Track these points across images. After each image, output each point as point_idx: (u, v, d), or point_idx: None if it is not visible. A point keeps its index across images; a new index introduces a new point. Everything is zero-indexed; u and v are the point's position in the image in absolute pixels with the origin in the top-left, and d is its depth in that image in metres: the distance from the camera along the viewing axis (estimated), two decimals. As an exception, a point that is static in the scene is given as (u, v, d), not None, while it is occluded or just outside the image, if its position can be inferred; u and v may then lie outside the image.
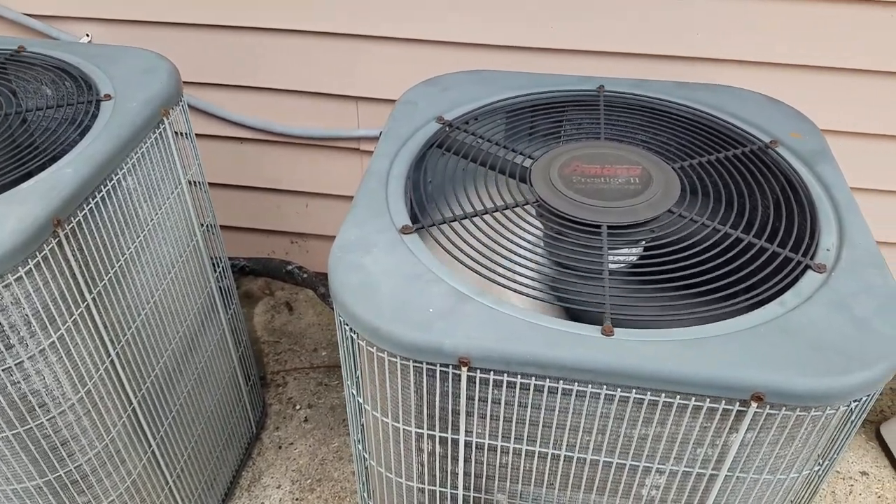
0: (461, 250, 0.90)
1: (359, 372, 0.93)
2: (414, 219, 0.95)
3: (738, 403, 0.77)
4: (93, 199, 1.02)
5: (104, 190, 1.04)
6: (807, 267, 0.88)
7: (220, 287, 1.46)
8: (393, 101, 1.21)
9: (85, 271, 1.02)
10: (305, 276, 2.05)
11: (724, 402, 0.78)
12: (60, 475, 1.10)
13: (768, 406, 0.77)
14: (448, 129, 1.12)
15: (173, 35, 1.66)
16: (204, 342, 1.41)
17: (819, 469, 0.91)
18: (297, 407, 1.85)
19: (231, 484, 1.64)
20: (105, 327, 1.09)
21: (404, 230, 0.92)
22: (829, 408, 0.78)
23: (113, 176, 1.06)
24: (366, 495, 1.12)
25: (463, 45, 1.54)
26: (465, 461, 0.94)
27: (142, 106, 1.14)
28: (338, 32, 1.58)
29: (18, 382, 0.99)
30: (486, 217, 0.96)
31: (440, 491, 0.99)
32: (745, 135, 1.10)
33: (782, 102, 1.18)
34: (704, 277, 0.86)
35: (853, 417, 0.83)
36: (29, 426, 1.03)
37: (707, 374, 0.76)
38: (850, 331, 0.80)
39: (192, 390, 1.37)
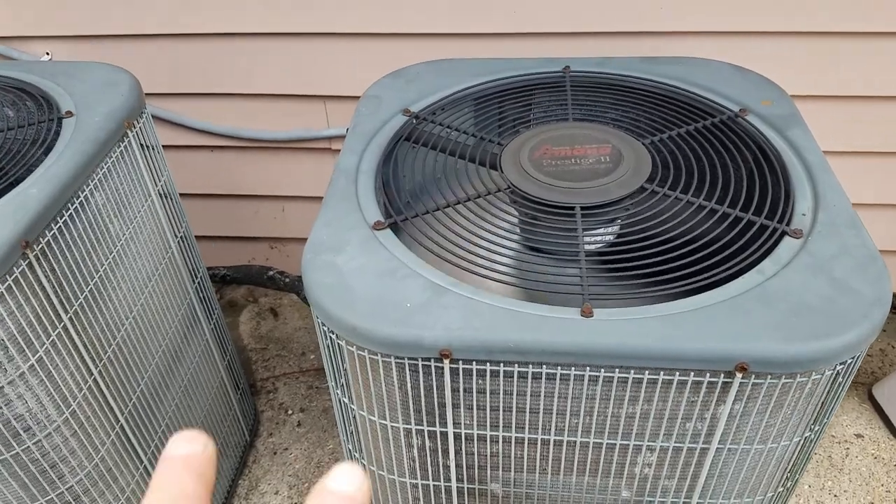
0: (435, 242, 0.89)
1: (343, 372, 0.92)
2: (386, 214, 0.94)
3: (722, 375, 0.77)
4: (60, 218, 1.00)
5: (72, 208, 1.02)
6: (783, 233, 0.87)
7: (200, 297, 1.45)
8: (360, 97, 1.20)
9: (59, 291, 1.01)
10: (287, 280, 2.04)
11: (708, 374, 0.77)
12: (52, 498, 1.09)
13: (753, 376, 0.77)
14: (415, 121, 1.11)
15: (134, 47, 1.64)
16: (188, 354, 1.40)
17: (811, 434, 0.91)
18: (290, 412, 1.84)
19: (228, 493, 1.63)
20: (85, 346, 1.07)
21: (376, 226, 0.91)
22: (814, 373, 0.78)
23: (80, 193, 1.04)
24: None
25: (425, 36, 1.53)
26: (455, 453, 0.93)
27: (104, 120, 1.12)
28: (296, 32, 1.57)
29: (0, 408, 0.97)
30: (459, 207, 0.95)
31: (434, 485, 0.98)
32: (715, 105, 1.10)
33: (750, 71, 1.18)
34: (682, 251, 0.85)
35: (840, 381, 0.83)
36: (15, 451, 1.01)
37: (689, 347, 0.75)
38: (831, 293, 0.79)
39: (180, 402, 1.36)
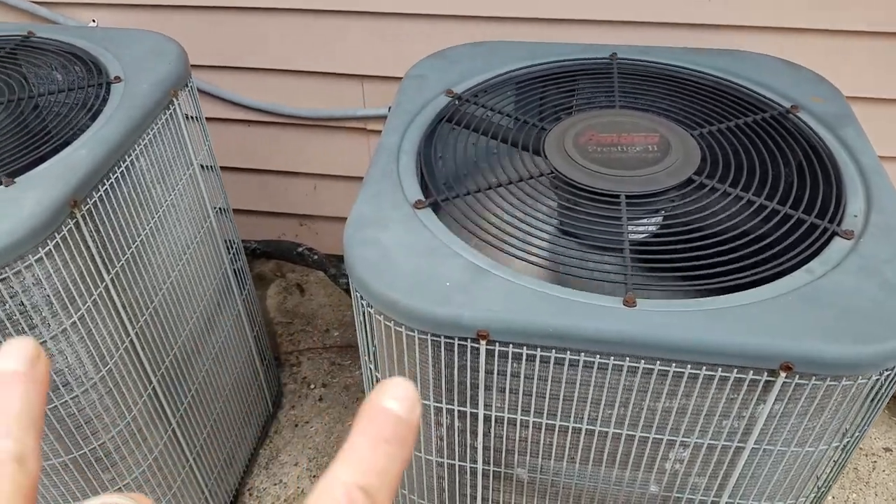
0: (476, 224, 0.89)
1: (375, 347, 0.92)
2: (426, 194, 0.94)
3: (766, 373, 0.76)
4: (107, 181, 1.01)
5: (118, 171, 1.03)
6: (834, 233, 0.86)
7: (234, 269, 1.46)
8: (397, 78, 1.19)
9: (103, 252, 1.02)
10: (316, 257, 2.05)
11: (751, 372, 0.76)
12: (85, 453, 1.10)
13: (797, 376, 0.75)
14: (458, 102, 1.10)
15: (177, 18, 1.64)
16: (220, 322, 1.41)
17: (848, 441, 0.90)
18: (312, 386, 1.85)
19: (249, 461, 1.64)
20: (124, 307, 1.08)
21: (417, 205, 0.91)
22: (860, 377, 0.76)
23: (126, 157, 1.05)
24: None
25: (468, 18, 1.51)
26: (484, 435, 0.93)
27: (151, 88, 1.12)
28: (337, 10, 1.56)
29: (40, 363, 0.99)
30: (501, 190, 0.95)
31: (460, 465, 0.99)
32: (765, 100, 1.08)
33: (802, 66, 1.16)
34: (728, 246, 0.84)
35: (884, 388, 0.81)
36: (53, 405, 1.03)
37: (734, 343, 0.74)
38: (882, 297, 0.78)
39: (210, 369, 1.37)
